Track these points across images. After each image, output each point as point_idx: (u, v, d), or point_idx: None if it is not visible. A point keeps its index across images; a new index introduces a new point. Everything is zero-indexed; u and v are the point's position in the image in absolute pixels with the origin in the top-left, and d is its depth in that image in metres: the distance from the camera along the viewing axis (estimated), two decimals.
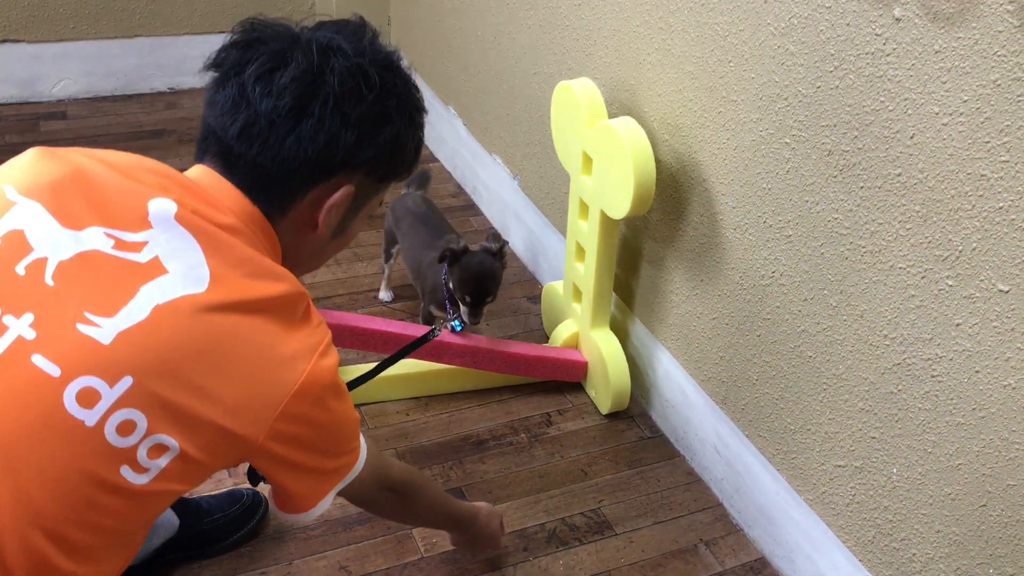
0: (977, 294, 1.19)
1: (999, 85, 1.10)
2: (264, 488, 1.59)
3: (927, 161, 1.22)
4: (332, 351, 0.98)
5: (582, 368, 1.98)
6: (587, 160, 1.79)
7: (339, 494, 1.11)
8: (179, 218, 0.92)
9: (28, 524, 0.83)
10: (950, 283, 1.22)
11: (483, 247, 1.85)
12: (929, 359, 1.28)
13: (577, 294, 1.97)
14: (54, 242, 0.90)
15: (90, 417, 0.84)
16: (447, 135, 2.79)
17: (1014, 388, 1.16)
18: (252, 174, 0.98)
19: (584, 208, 1.86)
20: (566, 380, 2.01)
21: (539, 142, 2.25)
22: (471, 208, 2.66)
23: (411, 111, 1.04)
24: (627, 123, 1.66)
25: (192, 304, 0.88)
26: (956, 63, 1.15)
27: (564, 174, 2.04)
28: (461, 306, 1.85)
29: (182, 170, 1.02)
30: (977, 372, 1.21)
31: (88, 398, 0.84)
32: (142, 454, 0.87)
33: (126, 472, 0.87)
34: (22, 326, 0.86)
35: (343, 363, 1.99)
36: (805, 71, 1.39)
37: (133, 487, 0.87)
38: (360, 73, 0.98)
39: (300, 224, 1.02)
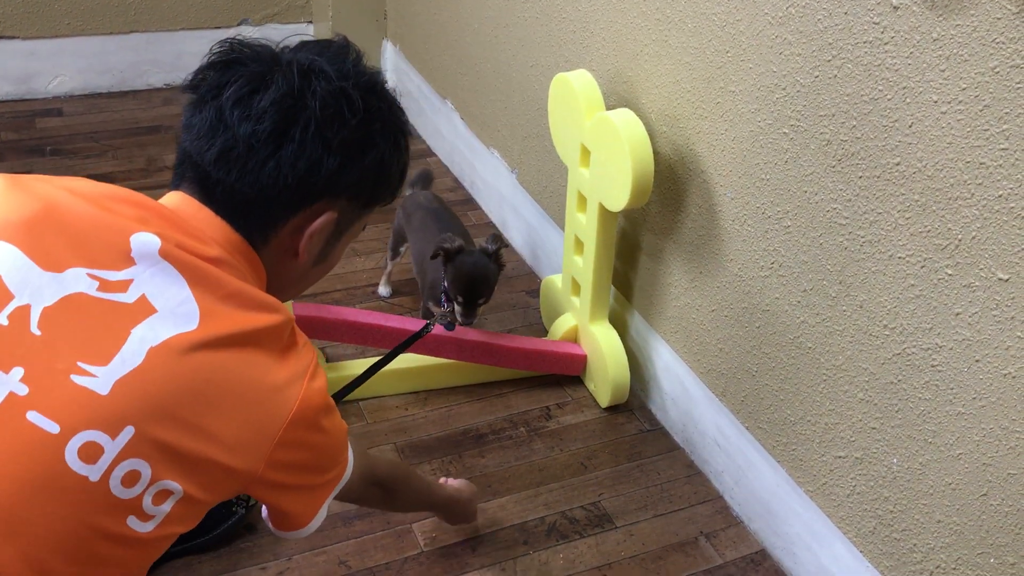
0: (977, 283, 1.18)
1: (998, 72, 1.10)
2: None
3: (926, 150, 1.21)
4: (320, 372, 0.96)
5: (581, 361, 1.98)
6: (585, 152, 1.79)
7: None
8: (163, 253, 0.88)
9: None
10: (949, 272, 1.22)
11: (481, 248, 1.85)
12: (929, 349, 1.27)
13: (576, 287, 1.96)
14: (36, 287, 0.86)
15: (94, 472, 0.82)
16: (444, 129, 2.79)
17: (1014, 377, 1.16)
18: (231, 201, 0.95)
19: (582, 201, 1.85)
20: (565, 374, 2.00)
21: (537, 135, 2.24)
22: (469, 202, 2.65)
23: (396, 135, 1.01)
24: (625, 115, 1.66)
25: (184, 343, 0.85)
26: (954, 51, 1.15)
27: (562, 167, 2.04)
28: (455, 305, 1.84)
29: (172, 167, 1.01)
30: (977, 361, 1.20)
31: (90, 453, 0.81)
32: (147, 502, 0.85)
33: (132, 522, 0.85)
34: (12, 381, 0.82)
35: (341, 358, 1.99)
36: (803, 61, 1.38)
37: (139, 535, 0.86)
38: (343, 97, 0.95)
39: (281, 251, 0.99)
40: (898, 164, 1.26)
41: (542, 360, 1.96)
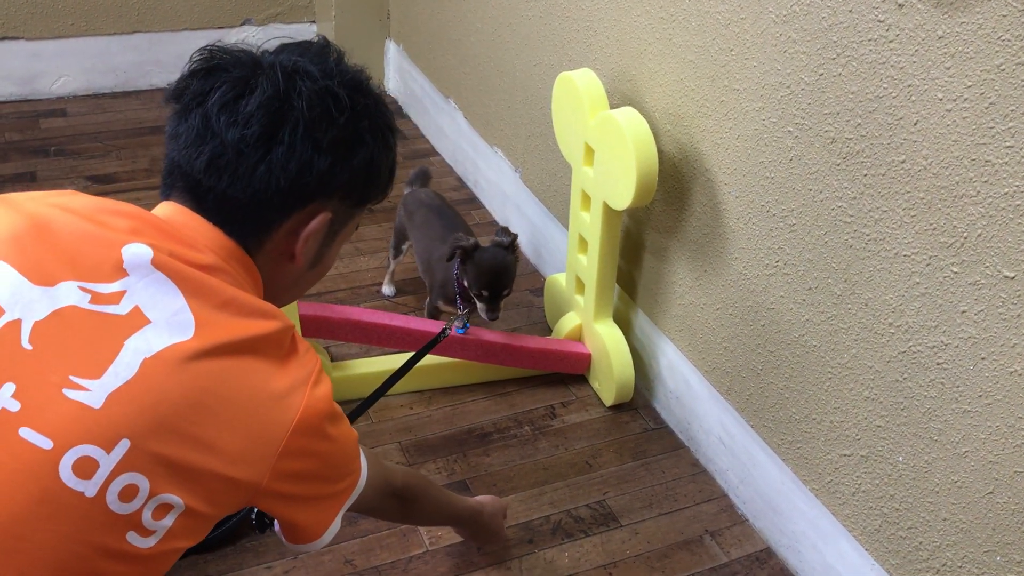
0: (982, 281, 1.18)
1: (1003, 70, 1.10)
2: None
3: (931, 148, 1.21)
4: (324, 378, 0.94)
5: (585, 360, 1.98)
6: (589, 151, 1.79)
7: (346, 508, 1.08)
8: (156, 263, 0.87)
9: None
10: (955, 270, 1.22)
11: (494, 241, 1.85)
12: (934, 347, 1.27)
13: (580, 286, 1.96)
14: (26, 302, 0.84)
15: (90, 488, 0.80)
16: (448, 128, 2.79)
17: (1020, 375, 1.16)
18: (224, 207, 0.93)
19: (586, 200, 1.85)
20: (570, 372, 2.00)
21: (540, 134, 2.24)
22: (473, 201, 2.65)
23: (384, 132, 1.00)
24: (629, 113, 1.66)
25: (180, 353, 0.84)
26: (960, 48, 1.14)
27: (566, 166, 2.04)
28: (478, 302, 1.83)
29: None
30: (983, 359, 1.20)
31: (86, 468, 0.80)
32: (147, 517, 0.83)
33: (132, 538, 0.83)
34: (4, 397, 0.80)
35: (346, 357, 1.99)
36: (807, 59, 1.38)
37: (140, 551, 0.84)
38: (329, 95, 0.94)
39: (277, 255, 0.98)
40: (903, 162, 1.26)
41: (546, 359, 1.96)
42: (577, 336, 2.00)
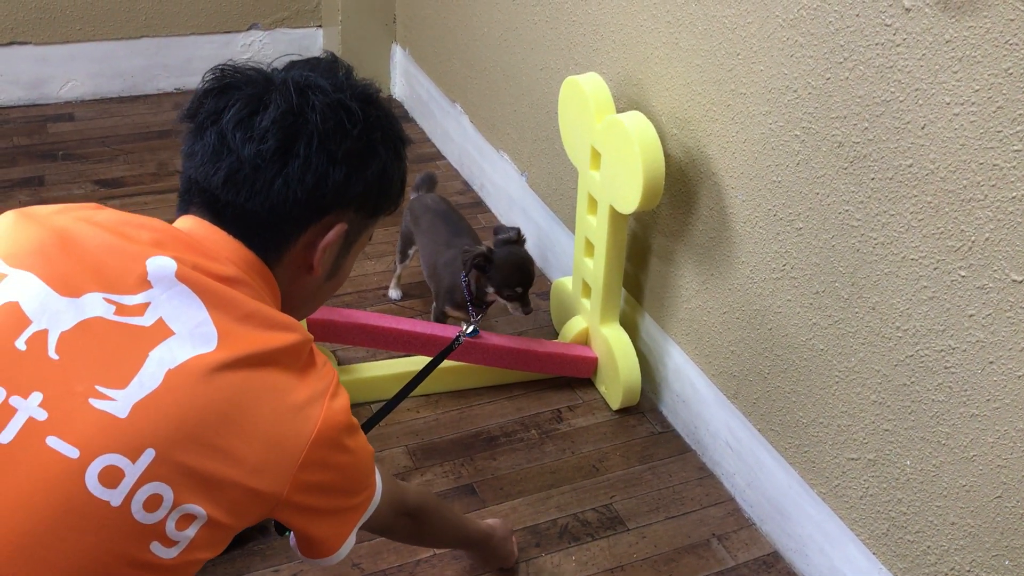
0: (990, 284, 1.18)
1: (1011, 74, 1.10)
2: None
3: (938, 151, 1.21)
4: (341, 391, 0.96)
5: (592, 364, 1.98)
6: (595, 155, 1.79)
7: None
8: (180, 275, 0.89)
9: None
10: (963, 274, 1.22)
11: (501, 240, 1.87)
12: (942, 350, 1.27)
13: (586, 290, 1.97)
14: (53, 312, 0.86)
15: (115, 497, 0.81)
16: (454, 132, 2.79)
17: None
18: (242, 222, 0.95)
19: (593, 203, 1.86)
20: (576, 376, 2.01)
21: (547, 138, 2.24)
22: (479, 205, 2.66)
23: (395, 143, 1.02)
24: (635, 117, 1.66)
25: (203, 365, 0.85)
26: (967, 52, 1.15)
27: (572, 170, 2.04)
28: (508, 303, 1.86)
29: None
30: (991, 363, 1.20)
31: (111, 477, 0.81)
32: (171, 527, 0.84)
33: (156, 548, 0.84)
34: (31, 407, 0.82)
35: (353, 361, 2.00)
36: (814, 63, 1.38)
37: (163, 562, 0.84)
38: (342, 108, 0.96)
39: (295, 268, 1.00)
40: (911, 166, 1.26)
41: (553, 363, 1.96)
42: (583, 340, 2.00)
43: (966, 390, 1.25)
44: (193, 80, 3.16)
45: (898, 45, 1.24)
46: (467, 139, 2.71)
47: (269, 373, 0.89)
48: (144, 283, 0.88)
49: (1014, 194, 1.13)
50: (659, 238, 1.87)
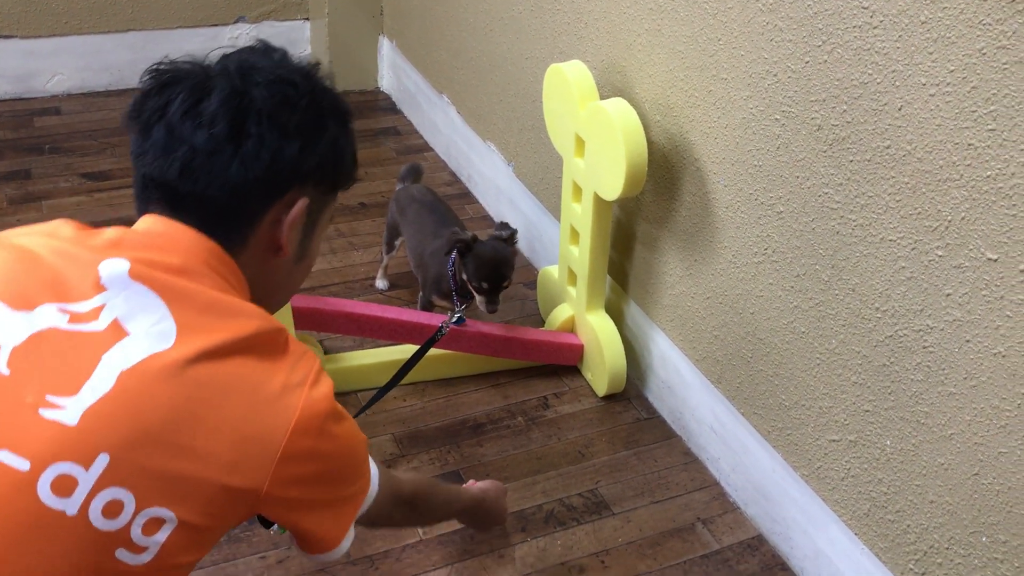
0: (966, 263, 1.19)
1: (984, 54, 1.11)
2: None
3: (915, 132, 1.22)
4: (324, 378, 0.93)
5: (578, 351, 1.99)
6: (580, 142, 1.80)
7: (357, 521, 1.05)
8: (133, 274, 0.87)
9: None
10: (940, 253, 1.23)
11: (493, 235, 1.87)
12: (920, 330, 1.28)
13: (572, 277, 1.98)
14: (6, 328, 0.85)
15: (71, 506, 0.79)
16: (441, 123, 2.80)
17: (1004, 356, 1.17)
18: (204, 209, 0.94)
19: (577, 191, 1.87)
20: (562, 364, 2.01)
21: (533, 127, 2.25)
22: (466, 196, 2.66)
23: (342, 115, 1.02)
24: (618, 104, 1.67)
25: (162, 363, 0.83)
26: (942, 33, 1.16)
27: (558, 160, 2.05)
28: (476, 295, 1.85)
29: None
30: (967, 341, 1.21)
31: (64, 486, 0.79)
32: (136, 533, 0.82)
33: (123, 555, 0.82)
34: None
35: (340, 350, 2.00)
36: (793, 46, 1.39)
37: (134, 568, 0.83)
38: (286, 83, 0.96)
39: (263, 251, 0.98)
40: (888, 147, 1.27)
41: (539, 350, 1.97)
42: (570, 327, 2.01)
43: (944, 369, 1.26)
44: None
45: (875, 27, 1.25)
46: (454, 130, 2.71)
47: (236, 362, 0.87)
48: (98, 287, 0.87)
49: (988, 173, 1.14)
50: (643, 225, 1.88)
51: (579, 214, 1.87)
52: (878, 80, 1.26)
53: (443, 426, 1.87)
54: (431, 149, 2.89)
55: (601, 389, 1.94)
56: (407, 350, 1.95)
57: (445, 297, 1.94)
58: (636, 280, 1.94)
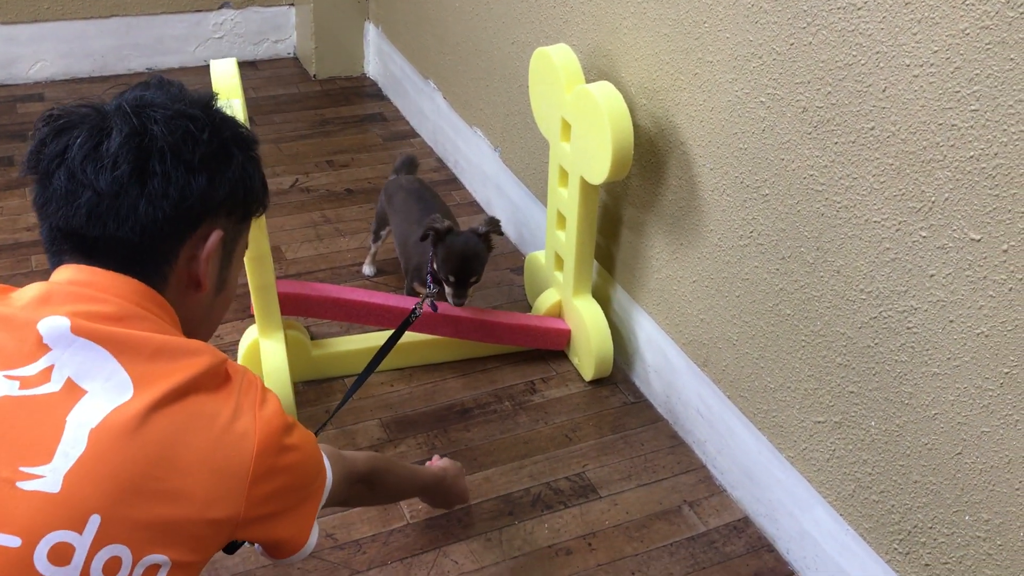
0: (950, 244, 1.20)
1: (967, 34, 1.11)
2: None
3: (899, 113, 1.23)
4: (269, 395, 0.95)
5: (565, 336, 1.99)
6: (566, 126, 1.80)
7: None
8: (76, 330, 0.86)
9: None
10: (924, 234, 1.23)
11: (471, 228, 1.86)
12: (904, 311, 1.29)
13: (559, 262, 1.98)
14: None
15: (71, 573, 0.79)
16: (427, 110, 2.79)
17: (987, 336, 1.17)
18: (118, 253, 0.92)
19: (564, 175, 1.86)
20: (549, 348, 2.02)
21: (519, 112, 2.25)
22: (453, 182, 2.66)
23: (246, 143, 1.01)
24: (604, 87, 1.66)
25: (126, 415, 0.83)
26: (926, 14, 1.16)
27: (545, 145, 2.05)
28: (445, 287, 1.84)
29: None
30: (951, 322, 1.22)
31: (61, 555, 0.79)
32: None
33: None
34: None
35: (326, 335, 2.00)
36: (778, 28, 1.39)
37: None
38: (185, 117, 0.94)
39: (183, 287, 0.98)
40: (872, 129, 1.27)
41: (526, 335, 1.97)
42: (557, 312, 2.01)
43: (927, 349, 1.26)
44: (165, 60, 3.16)
45: (859, 8, 1.25)
46: (441, 116, 2.70)
47: (192, 403, 0.87)
48: (41, 347, 0.85)
49: (972, 153, 1.14)
50: (629, 209, 1.88)
51: (565, 199, 1.86)
52: (862, 62, 1.26)
53: (430, 411, 1.87)
54: (417, 135, 2.88)
55: (588, 373, 1.94)
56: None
57: (425, 286, 1.94)
58: (623, 264, 1.94)
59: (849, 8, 1.26)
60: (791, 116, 1.40)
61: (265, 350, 1.76)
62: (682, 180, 1.69)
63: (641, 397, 1.93)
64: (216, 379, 0.91)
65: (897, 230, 1.27)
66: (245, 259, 1.66)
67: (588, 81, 1.78)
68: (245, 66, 3.13)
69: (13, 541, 0.78)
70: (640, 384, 1.95)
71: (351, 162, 2.71)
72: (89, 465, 0.81)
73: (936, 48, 1.15)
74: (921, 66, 1.18)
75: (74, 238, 0.93)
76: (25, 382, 0.84)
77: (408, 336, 1.94)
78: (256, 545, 1.02)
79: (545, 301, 2.02)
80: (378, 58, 3.11)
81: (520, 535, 1.61)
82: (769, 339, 1.56)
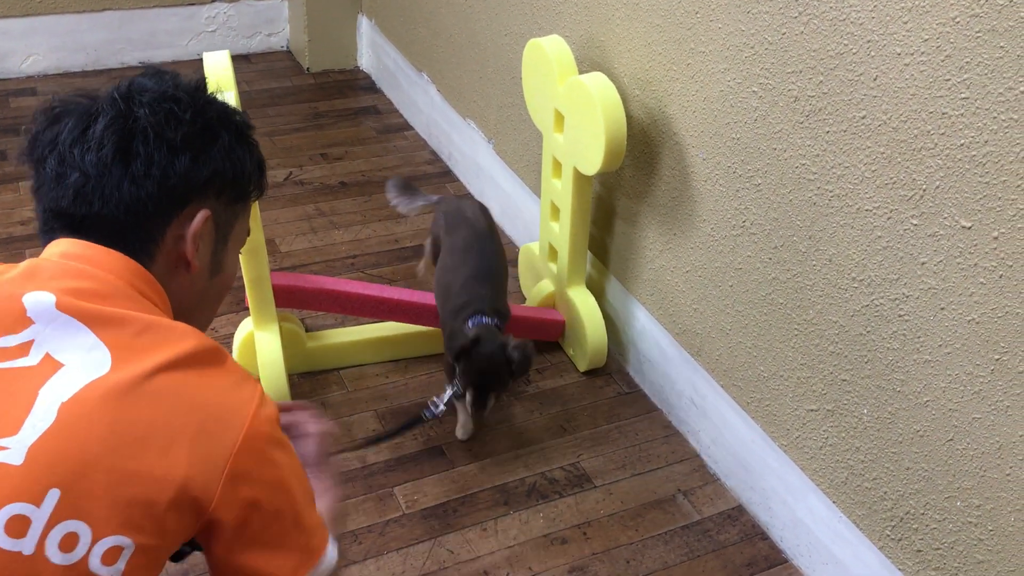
0: (941, 232, 1.21)
1: (958, 23, 1.12)
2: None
3: (890, 102, 1.23)
4: (270, 402, 0.92)
5: (559, 327, 1.99)
6: (559, 117, 1.80)
7: None
8: (60, 306, 0.86)
9: None
10: (915, 222, 1.24)
11: (502, 342, 1.63)
12: (896, 299, 1.29)
13: (553, 254, 1.98)
14: None
15: (26, 545, 0.78)
16: (421, 102, 2.79)
17: (978, 323, 1.18)
18: (104, 231, 0.94)
19: (557, 166, 1.87)
20: (544, 339, 2.02)
21: (512, 104, 2.25)
22: (447, 175, 2.66)
23: (236, 125, 1.02)
24: (597, 78, 1.67)
25: (101, 389, 0.83)
26: (916, 2, 1.16)
27: (538, 137, 2.05)
28: (467, 395, 1.67)
29: None
30: (942, 309, 1.23)
31: (18, 527, 0.78)
32: (95, 563, 0.80)
33: None
34: None
35: (322, 328, 2.00)
36: (770, 18, 1.39)
37: None
38: (170, 100, 0.96)
39: (172, 266, 0.98)
40: (864, 117, 1.28)
41: (521, 326, 1.97)
42: (551, 303, 2.02)
43: (919, 337, 1.27)
44: (158, 54, 3.15)
45: None
46: (434, 108, 2.70)
47: (179, 380, 0.86)
48: (24, 320, 0.86)
49: (962, 141, 1.15)
50: (623, 200, 1.88)
51: (559, 190, 1.87)
52: (853, 51, 1.27)
53: (425, 403, 1.87)
54: (411, 128, 2.88)
55: (582, 364, 1.95)
56: (389, 327, 1.95)
57: (451, 373, 1.72)
58: (616, 255, 1.95)
59: None
60: (783, 105, 1.41)
61: (260, 342, 1.77)
62: (675, 171, 1.69)
63: (635, 387, 1.94)
64: (205, 360, 0.90)
65: (888, 218, 1.28)
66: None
67: (581, 72, 1.78)
68: (238, 60, 3.13)
69: None
70: (634, 374, 1.96)
71: (345, 155, 2.71)
72: (54, 439, 0.80)
73: (926, 36, 1.16)
74: (912, 54, 1.18)
75: (64, 218, 0.95)
76: (3, 354, 0.85)
77: (403, 327, 1.95)
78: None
79: (539, 292, 2.02)
80: (371, 51, 3.11)
81: (516, 525, 1.62)
82: (762, 328, 1.56)
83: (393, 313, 1.89)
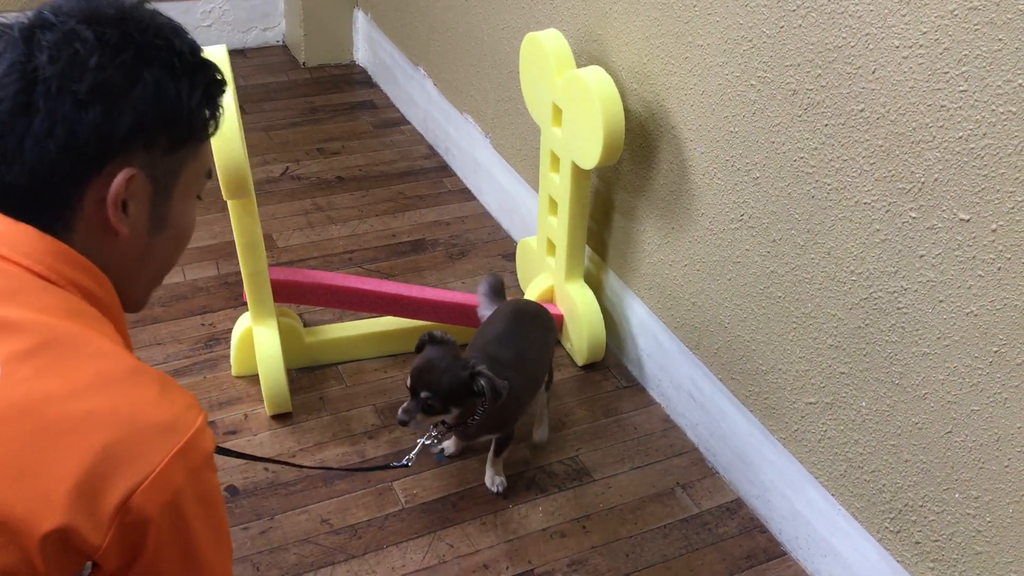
0: (939, 224, 1.21)
1: (956, 15, 1.12)
2: None
3: (888, 95, 1.23)
4: (209, 431, 0.81)
5: (558, 321, 1.99)
6: (557, 111, 1.80)
7: None
8: None
9: None
10: (913, 215, 1.24)
11: (464, 359, 1.53)
12: (894, 291, 1.30)
13: (551, 248, 1.98)
14: None
15: None
16: (417, 96, 2.78)
17: (976, 315, 1.19)
18: (9, 200, 0.81)
19: (555, 160, 1.87)
20: None
21: (509, 99, 2.24)
22: (444, 169, 2.66)
23: (164, 56, 0.84)
24: (595, 72, 1.67)
25: None
26: None
27: (535, 130, 2.05)
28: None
29: None
30: (941, 302, 1.23)
31: None
32: None
33: None
34: None
35: (320, 323, 2.00)
36: (768, 11, 1.39)
37: None
38: (74, 39, 0.80)
39: (97, 235, 0.84)
40: (862, 110, 1.28)
41: None
42: (549, 297, 2.02)
43: (918, 329, 1.27)
44: None
45: None
46: (431, 103, 2.70)
47: (70, 410, 0.73)
48: None
49: (960, 134, 1.15)
50: (621, 194, 1.88)
51: (557, 184, 1.87)
52: (852, 43, 1.27)
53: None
54: (408, 122, 2.88)
55: (581, 358, 1.95)
56: (387, 322, 1.95)
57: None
58: (614, 249, 1.95)
59: None
60: (781, 99, 1.41)
61: (258, 337, 1.76)
62: (673, 164, 1.69)
63: (633, 381, 1.94)
64: (114, 391, 0.77)
65: (887, 211, 1.28)
66: (237, 247, 1.66)
67: (579, 66, 1.78)
68: (234, 54, 3.12)
69: None
70: (632, 368, 1.96)
71: (341, 150, 2.71)
72: None
73: (925, 29, 1.16)
74: (910, 47, 1.19)
75: None
76: None
77: (401, 322, 1.95)
78: None
79: (538, 286, 2.02)
80: (367, 45, 3.10)
81: (515, 518, 1.62)
82: (760, 321, 1.57)
83: (391, 308, 1.89)
